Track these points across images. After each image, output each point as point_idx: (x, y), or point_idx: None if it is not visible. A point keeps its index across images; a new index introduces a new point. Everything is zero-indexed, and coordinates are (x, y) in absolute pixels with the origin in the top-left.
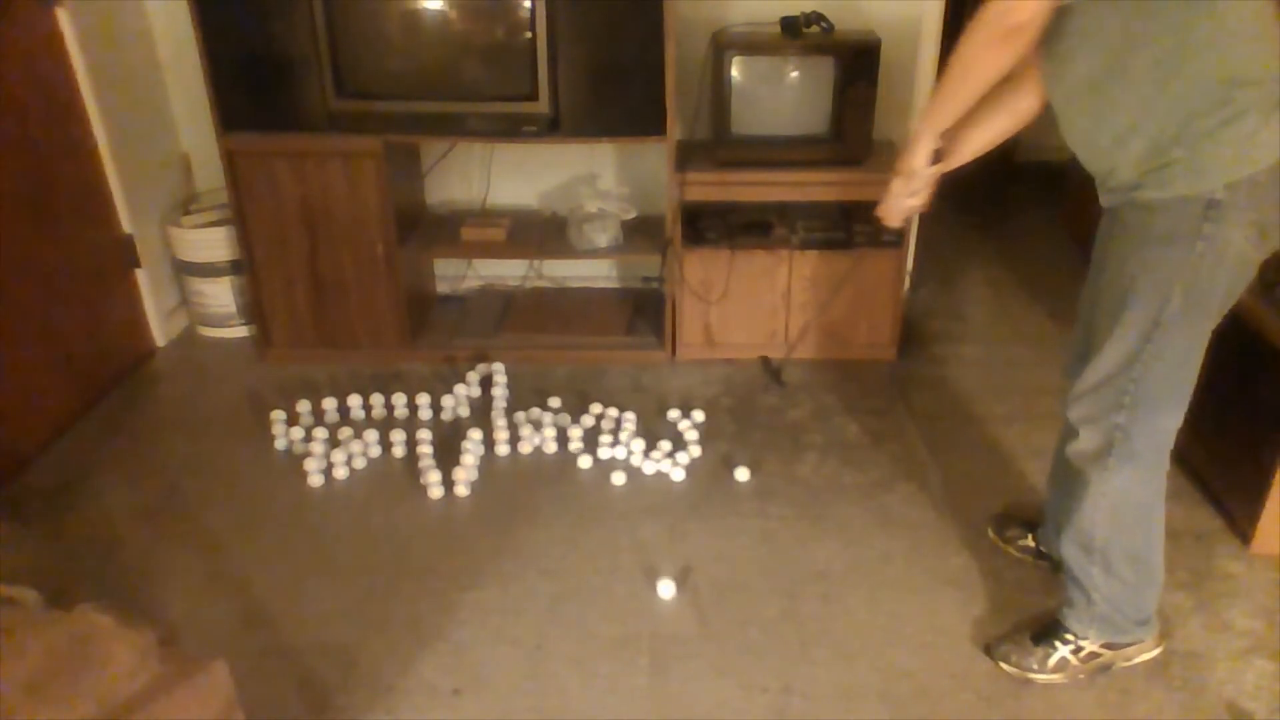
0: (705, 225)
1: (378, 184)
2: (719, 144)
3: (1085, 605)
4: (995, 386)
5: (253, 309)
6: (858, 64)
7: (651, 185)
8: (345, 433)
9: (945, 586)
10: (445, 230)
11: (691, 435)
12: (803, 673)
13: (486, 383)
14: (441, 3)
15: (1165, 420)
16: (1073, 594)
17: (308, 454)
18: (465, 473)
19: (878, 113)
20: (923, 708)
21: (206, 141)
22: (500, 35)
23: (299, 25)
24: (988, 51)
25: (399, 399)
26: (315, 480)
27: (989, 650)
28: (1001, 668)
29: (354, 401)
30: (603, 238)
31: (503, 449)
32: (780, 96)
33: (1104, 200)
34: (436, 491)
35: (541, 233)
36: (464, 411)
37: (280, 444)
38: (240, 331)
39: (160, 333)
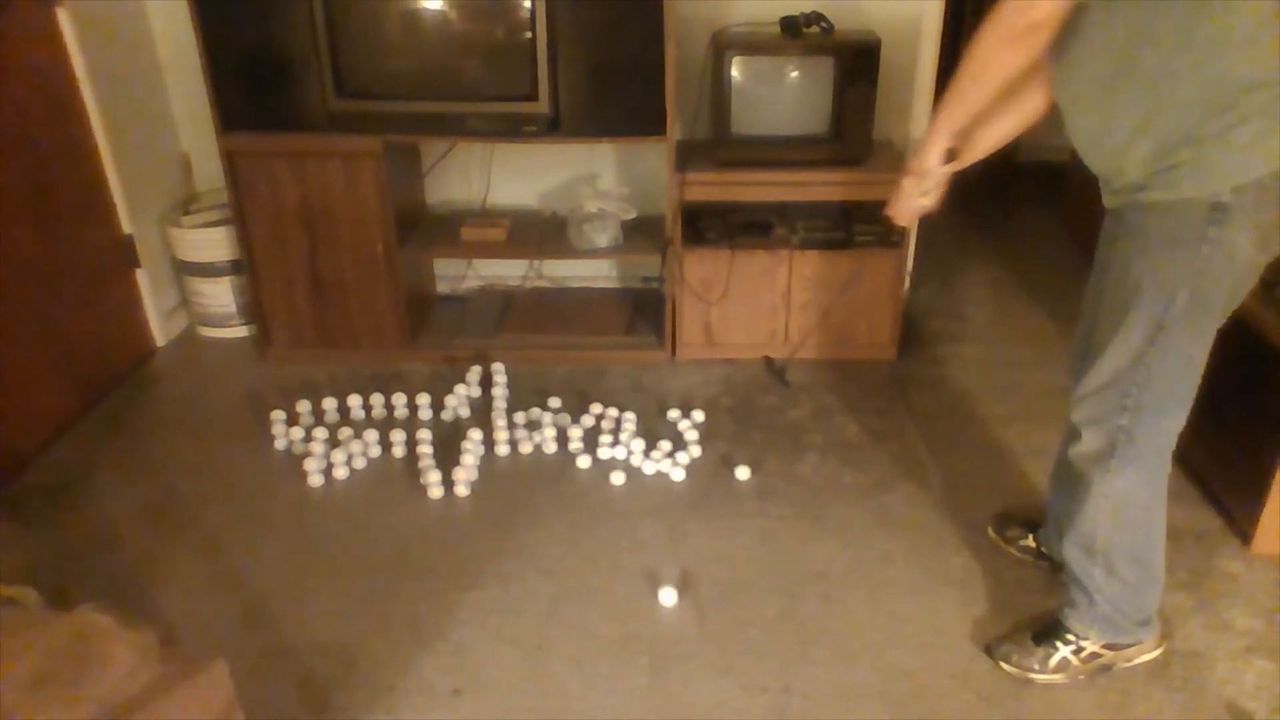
0: (705, 225)
1: (377, 184)
2: (719, 144)
3: (1087, 606)
4: (995, 386)
5: (253, 309)
6: (858, 64)
7: (651, 185)
8: (345, 433)
9: (945, 586)
10: (445, 230)
11: (691, 435)
12: (803, 673)
13: (486, 383)
14: (441, 3)
15: (1168, 422)
16: (1074, 595)
17: (308, 454)
18: (465, 473)
19: (878, 113)
20: (923, 708)
21: (206, 141)
22: (500, 35)
23: (299, 25)
24: (1003, 50)
25: (399, 399)
26: (315, 480)
27: (989, 650)
28: (1002, 668)
29: (354, 401)
30: (603, 238)
31: (503, 449)
32: (780, 96)
33: (1108, 201)
34: (436, 491)
35: (541, 233)
36: (464, 411)
37: (280, 444)
38: (240, 331)
39: (160, 333)
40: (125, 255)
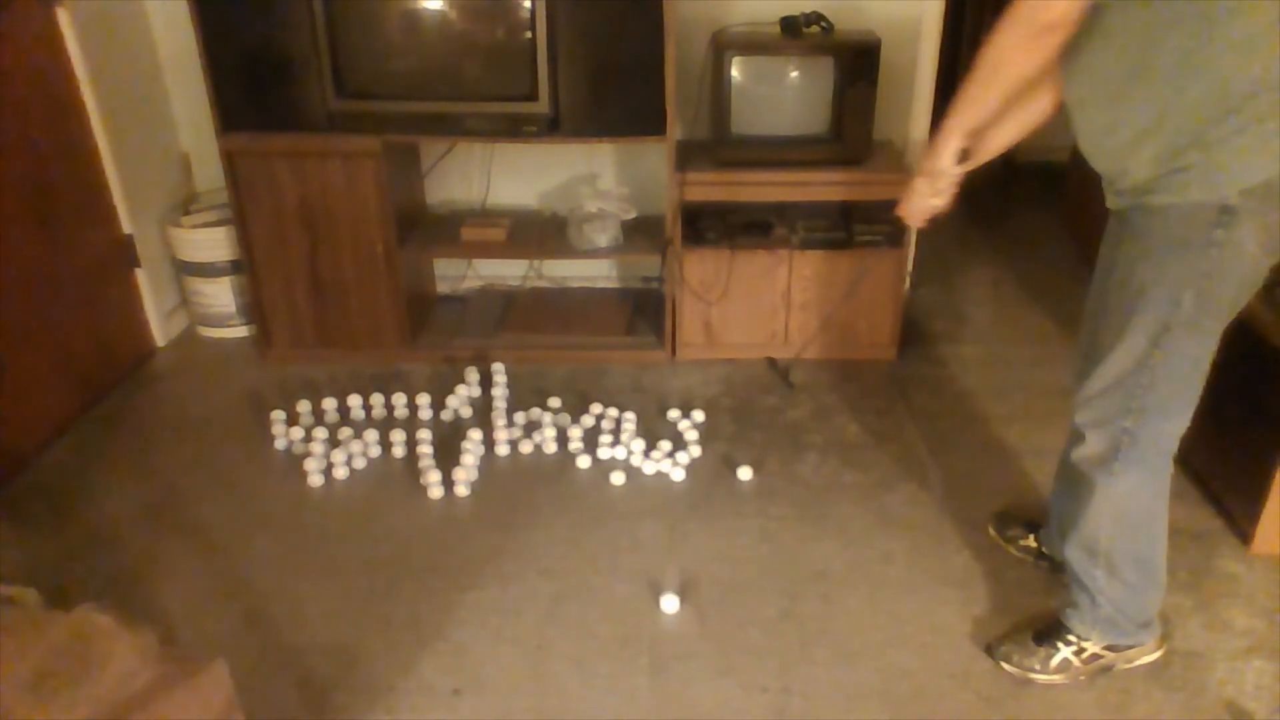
0: (705, 225)
1: (377, 184)
2: (719, 144)
3: (1089, 607)
4: (995, 386)
5: (253, 309)
6: (858, 64)
7: (651, 185)
8: (345, 433)
9: (945, 586)
10: (445, 230)
11: (691, 435)
12: (803, 673)
13: (486, 383)
14: (441, 3)
15: (1172, 425)
16: (1077, 596)
17: (308, 454)
18: (465, 473)
19: (878, 113)
20: (923, 708)
21: (206, 141)
22: (500, 35)
23: (299, 25)
24: (1019, 51)
25: (399, 399)
26: (315, 480)
27: (990, 650)
28: (1003, 668)
29: (354, 401)
30: (603, 238)
31: (503, 449)
32: (780, 96)
33: (1112, 203)
34: (436, 491)
35: (541, 233)
36: (464, 411)
37: (280, 444)
38: (240, 331)
39: (160, 333)
40: (125, 255)
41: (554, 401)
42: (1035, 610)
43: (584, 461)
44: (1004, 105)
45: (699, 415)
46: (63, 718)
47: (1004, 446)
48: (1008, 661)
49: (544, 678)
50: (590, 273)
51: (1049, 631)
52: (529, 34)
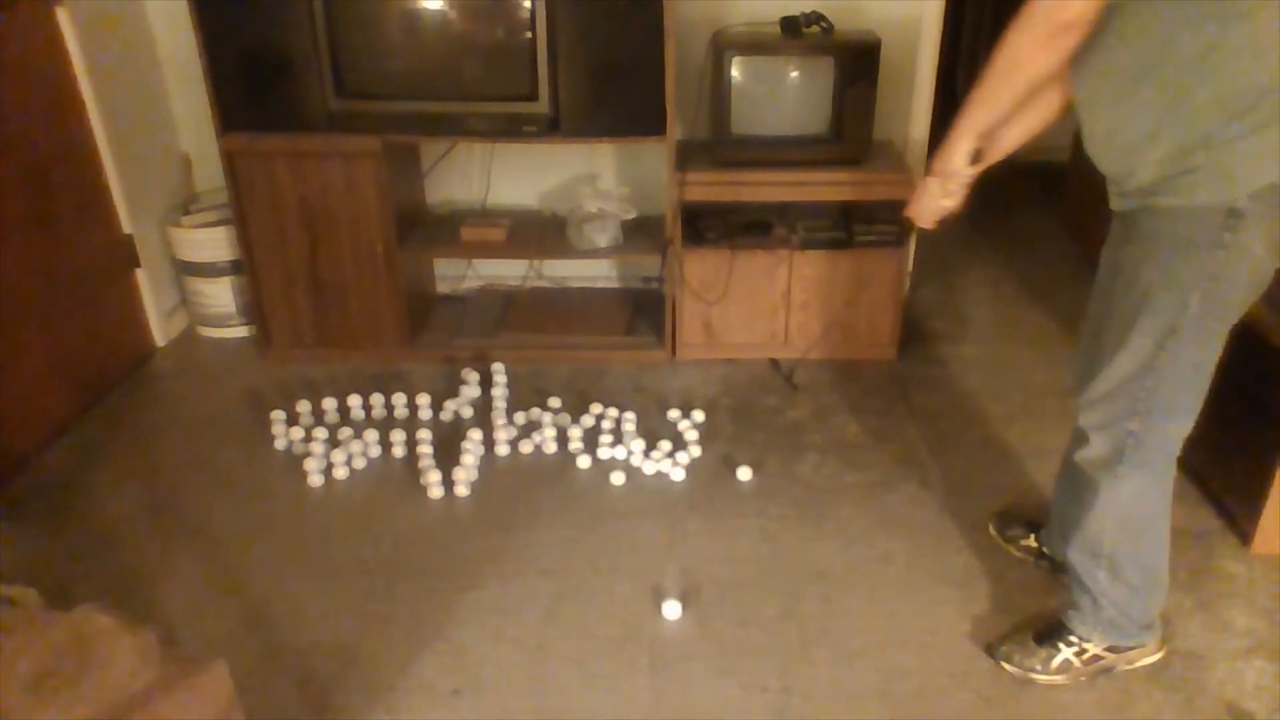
0: (705, 225)
1: (377, 184)
2: (719, 144)
3: (1092, 609)
4: (995, 386)
5: (253, 309)
6: (858, 64)
7: (651, 185)
8: (345, 433)
9: (945, 586)
10: (445, 230)
11: (691, 435)
12: (803, 673)
13: (486, 383)
14: (441, 3)
15: (1176, 427)
16: (1079, 598)
17: (308, 454)
18: (465, 473)
19: (878, 113)
20: (923, 708)
21: (206, 141)
22: (500, 35)
23: (299, 25)
24: (1034, 50)
25: (399, 399)
26: (315, 480)
27: (990, 650)
28: (1003, 668)
29: (354, 401)
30: (603, 238)
31: (503, 449)
32: (780, 96)
33: (1117, 204)
34: (436, 491)
35: (541, 233)
36: (464, 411)
37: (280, 444)
38: (240, 331)
39: (160, 333)
40: (125, 255)
41: (554, 401)
42: (1036, 610)
43: (584, 461)
44: (1018, 105)
45: (699, 415)
46: (63, 718)
47: (1004, 446)
48: (1008, 662)
49: (544, 678)
50: (590, 273)
51: (1050, 632)
52: (529, 34)
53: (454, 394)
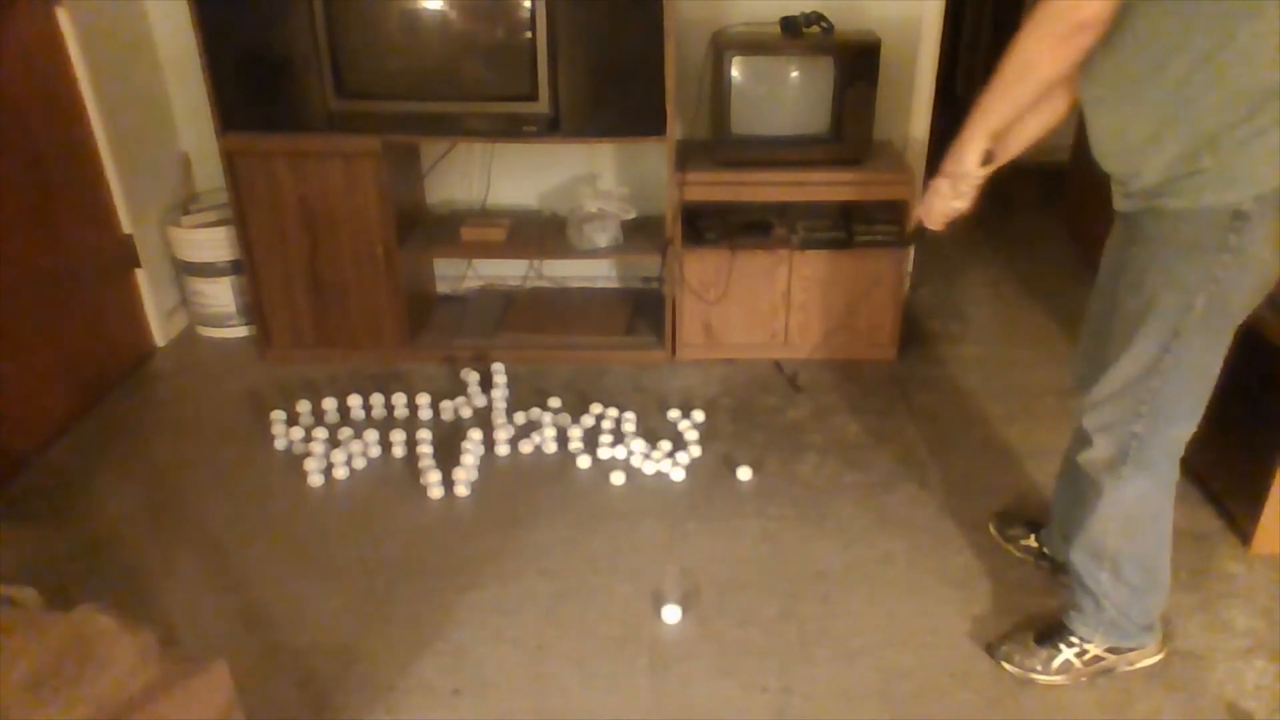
0: (705, 225)
1: (377, 184)
2: (719, 144)
3: (1093, 610)
4: (995, 386)
5: (253, 309)
6: (858, 64)
7: (651, 185)
8: (345, 433)
9: (946, 586)
10: (445, 230)
11: (691, 435)
12: (803, 673)
13: (486, 383)
14: (441, 3)
15: (1180, 429)
16: (1080, 599)
17: (308, 454)
18: (465, 473)
19: (878, 113)
20: (923, 708)
21: (206, 141)
22: (500, 35)
23: (299, 25)
24: (1049, 51)
25: (399, 399)
26: (315, 480)
27: (990, 650)
28: (1004, 668)
29: (354, 401)
30: (603, 238)
31: (503, 449)
32: (780, 96)
33: (1121, 205)
34: (436, 491)
35: (541, 233)
36: (464, 411)
37: (280, 444)
38: (240, 331)
39: (160, 333)
40: (125, 255)
41: (554, 401)
42: (1036, 610)
43: (584, 461)
44: (1031, 106)
45: (699, 415)
46: (63, 718)
47: (1004, 446)
48: (1009, 662)
49: (544, 678)
50: (590, 273)
51: (1051, 633)
52: (529, 34)
53: (454, 394)
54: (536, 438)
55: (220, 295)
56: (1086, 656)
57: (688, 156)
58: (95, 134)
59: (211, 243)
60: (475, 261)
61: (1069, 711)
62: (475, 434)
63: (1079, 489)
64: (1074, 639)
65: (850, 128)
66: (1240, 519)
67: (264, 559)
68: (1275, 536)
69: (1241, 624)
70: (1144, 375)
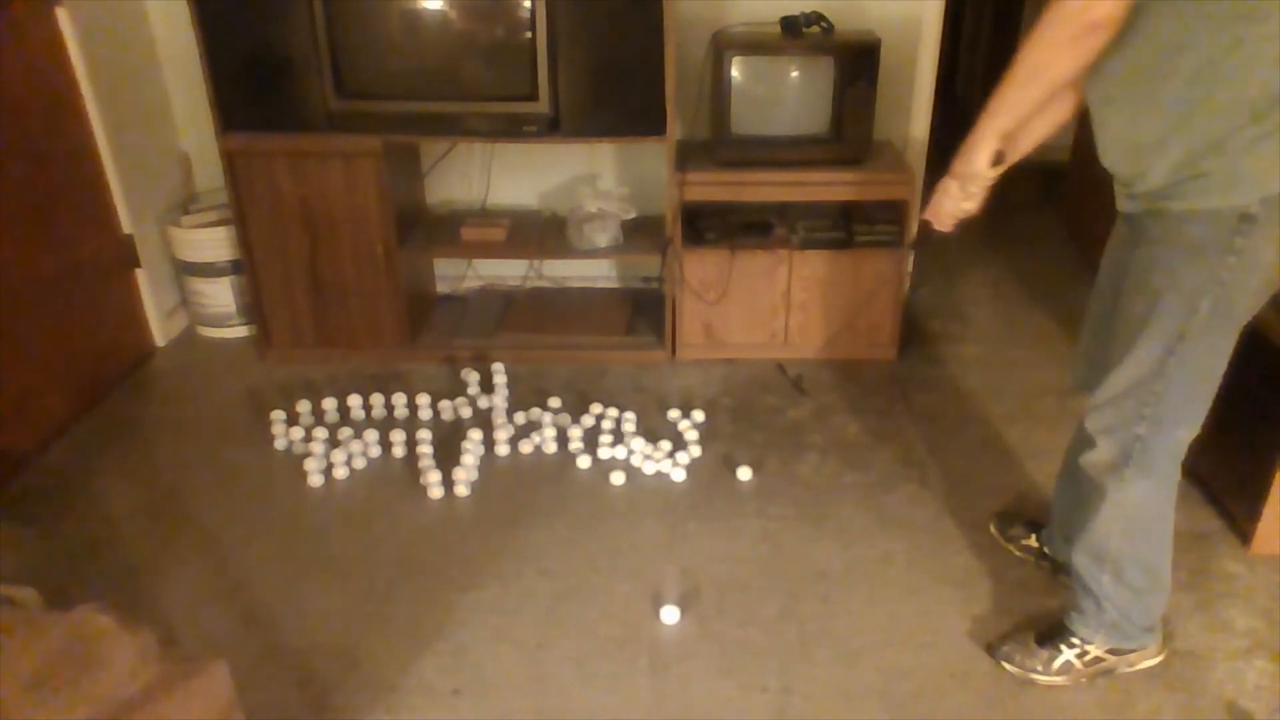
0: (705, 225)
1: (377, 184)
2: (719, 144)
3: (1095, 612)
4: (995, 386)
5: (253, 309)
6: (858, 64)
7: (651, 185)
8: (345, 433)
9: (946, 586)
10: (445, 230)
11: (691, 435)
12: (803, 673)
13: (486, 383)
14: (441, 3)
15: (1184, 432)
16: (1081, 600)
17: (308, 454)
18: (465, 473)
19: (878, 113)
20: (923, 708)
21: (206, 141)
22: (500, 35)
23: (299, 25)
24: (1061, 51)
25: (399, 399)
26: (315, 480)
27: (991, 650)
28: (1004, 668)
29: (354, 401)
30: (603, 238)
31: (503, 449)
32: (780, 96)
33: (1125, 206)
34: (436, 491)
35: (541, 233)
36: (464, 411)
37: (280, 444)
38: (240, 331)
39: (160, 333)
40: (125, 255)
41: (554, 401)
42: (1036, 611)
43: (584, 461)
44: (1042, 107)
45: (699, 415)
46: (63, 718)
47: (1004, 446)
48: (1009, 662)
49: (544, 678)
50: (590, 273)
51: (1052, 633)
52: (529, 34)
53: (454, 394)
54: (536, 438)
55: (220, 295)
56: (1087, 657)
57: (688, 156)
58: (95, 134)
59: (211, 243)
60: (475, 261)
61: (1069, 712)
62: (475, 434)
63: (1080, 490)
64: (1075, 640)
65: (850, 128)
66: (1240, 519)
67: (264, 559)
68: (1275, 536)
69: (1241, 624)
70: (1148, 378)
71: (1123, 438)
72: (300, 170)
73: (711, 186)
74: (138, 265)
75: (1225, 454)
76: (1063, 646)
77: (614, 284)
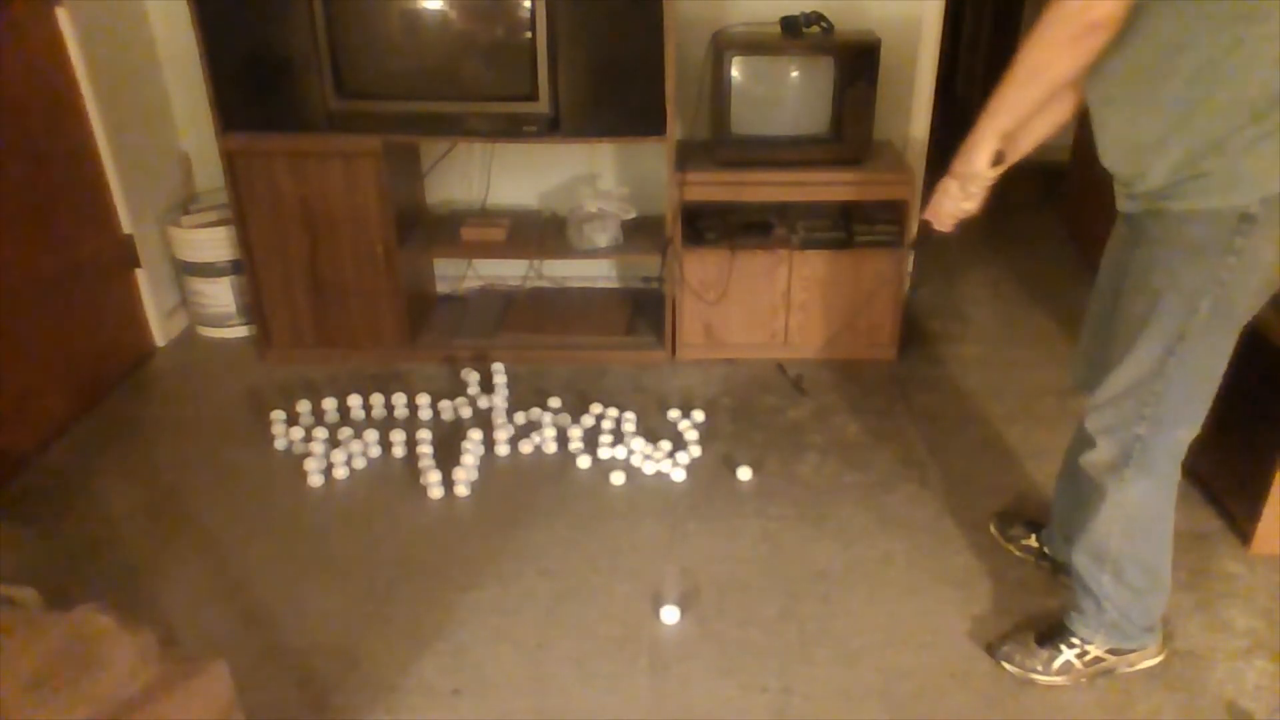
0: (705, 225)
1: (377, 184)
2: (719, 144)
3: (1095, 612)
4: (995, 386)
5: (253, 309)
6: (858, 64)
7: (651, 185)
8: (345, 433)
9: (946, 586)
10: (445, 230)
11: (691, 435)
12: (803, 673)
13: (486, 383)
14: (441, 3)
15: (1184, 431)
16: (1081, 600)
17: (308, 454)
18: (465, 473)
19: (878, 113)
20: (923, 708)
21: (206, 141)
22: (500, 35)
23: (299, 25)
24: (1061, 51)
25: (399, 399)
26: (315, 480)
27: (991, 650)
28: (1004, 668)
29: (354, 401)
30: (603, 238)
31: (503, 449)
32: (780, 96)
33: (1124, 206)
34: (436, 491)
35: (541, 233)
36: (464, 411)
37: (280, 444)
38: (240, 331)
39: (160, 333)
40: (125, 255)
41: (554, 401)
42: (1036, 611)
43: (584, 461)
44: (1042, 107)
45: (699, 415)
46: (63, 718)
47: (1004, 446)
48: (1009, 662)
49: (544, 678)
50: (590, 273)
51: (1052, 633)
52: (529, 34)
53: (454, 394)
54: (536, 438)
55: (220, 295)
56: (1087, 658)
57: (688, 156)
58: (95, 134)
59: (211, 243)
60: (475, 261)
61: (1069, 711)
62: (475, 434)
63: (1080, 490)
64: (1075, 640)
65: (850, 128)
66: (1240, 519)
67: (264, 559)
68: (1275, 536)
69: (1241, 624)
70: (1148, 378)
71: (1123, 438)
72: (300, 170)
73: (711, 186)
74: (138, 265)
75: (1225, 454)
76: (1063, 646)
77: (614, 284)
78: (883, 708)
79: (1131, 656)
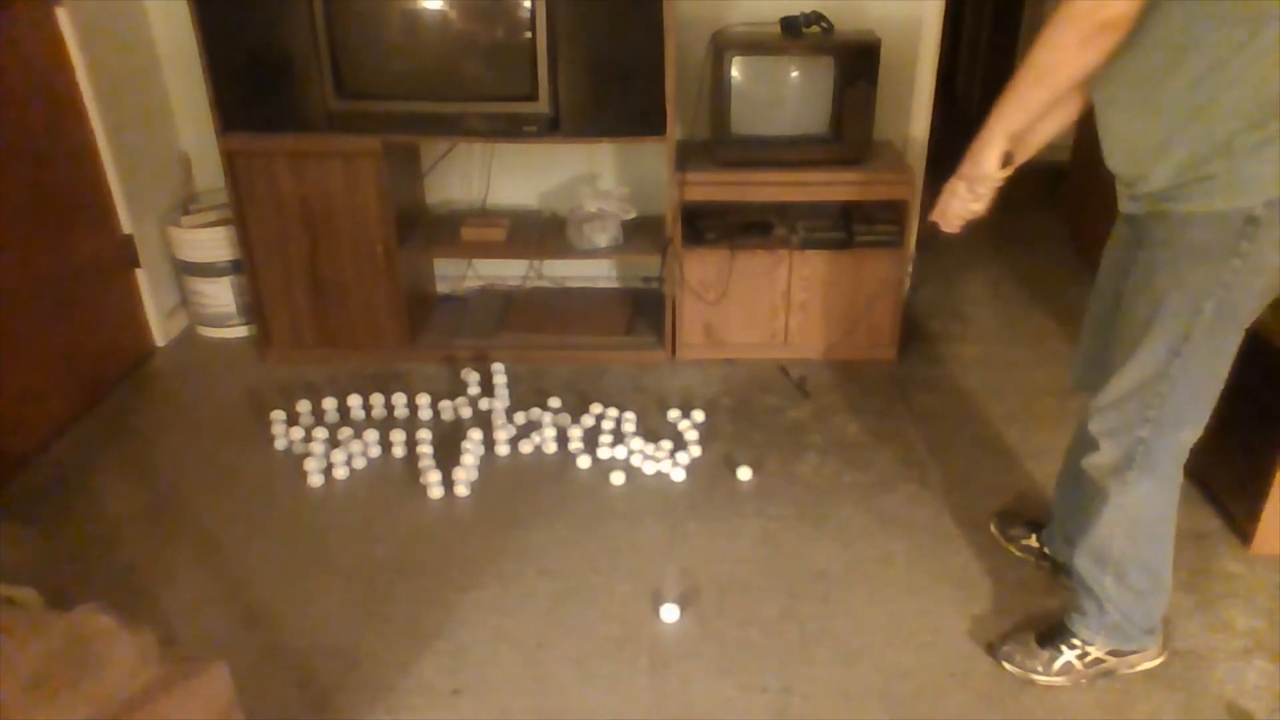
0: (705, 225)
1: (377, 184)
2: (719, 144)
3: (1097, 614)
4: (995, 386)
5: (253, 309)
6: (858, 64)
7: (651, 185)
8: (345, 433)
9: (945, 586)
10: (445, 230)
11: (691, 435)
12: (803, 673)
13: (486, 383)
14: (441, 3)
15: (1187, 434)
16: (1083, 602)
17: (308, 454)
18: (465, 473)
19: (878, 113)
20: (923, 708)
21: (206, 141)
22: (500, 35)
23: (299, 25)
24: (1072, 52)
25: (399, 399)
26: (315, 480)
27: (991, 650)
28: (1004, 668)
29: (354, 401)
30: (603, 238)
31: (503, 449)
32: (780, 96)
33: (1127, 207)
34: (436, 491)
35: (541, 233)
36: (464, 411)
37: (280, 444)
38: (240, 331)
39: (160, 333)
40: (125, 255)
41: (554, 401)
42: (1037, 611)
43: (584, 461)
44: (1051, 107)
45: (699, 415)
46: (63, 718)
47: (1004, 446)
48: (1009, 662)
49: (544, 678)
50: (590, 273)
51: (1053, 634)
52: (529, 34)
53: (454, 394)
54: (536, 438)
55: (220, 295)
56: (1088, 659)
57: (688, 156)
58: (95, 134)
59: (211, 243)
60: (475, 261)
61: (1069, 712)
62: (475, 434)
63: (1081, 491)
64: (1076, 641)
65: (850, 128)
66: (1240, 519)
67: (264, 559)
68: (1275, 536)
69: (1241, 624)
70: (1151, 380)
71: (1126, 440)
72: (300, 170)
73: (711, 186)
74: (138, 265)
75: (1225, 454)
76: (1063, 647)
77: (614, 284)
78: (883, 708)
79: (1132, 658)
